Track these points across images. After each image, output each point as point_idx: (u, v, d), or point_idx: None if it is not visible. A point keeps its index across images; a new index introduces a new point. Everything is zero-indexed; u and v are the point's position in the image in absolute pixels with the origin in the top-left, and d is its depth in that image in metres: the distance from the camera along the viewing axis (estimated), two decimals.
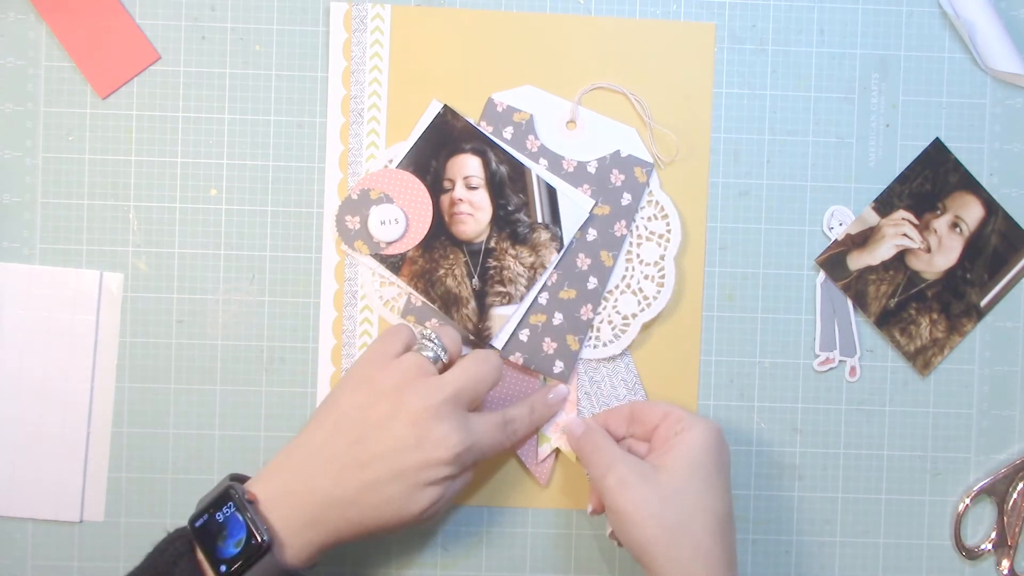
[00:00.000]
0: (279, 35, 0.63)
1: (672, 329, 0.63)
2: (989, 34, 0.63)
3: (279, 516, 0.53)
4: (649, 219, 0.63)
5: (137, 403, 0.63)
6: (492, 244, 0.62)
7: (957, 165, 0.63)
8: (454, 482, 0.55)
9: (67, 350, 0.62)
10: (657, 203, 0.63)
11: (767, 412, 0.64)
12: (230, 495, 0.53)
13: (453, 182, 0.62)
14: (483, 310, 0.62)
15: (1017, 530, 0.64)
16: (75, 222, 0.62)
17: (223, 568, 0.51)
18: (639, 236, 0.63)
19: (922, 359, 0.64)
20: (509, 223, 0.62)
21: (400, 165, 0.62)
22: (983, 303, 0.64)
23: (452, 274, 0.62)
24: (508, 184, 0.62)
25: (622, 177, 0.63)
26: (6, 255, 0.62)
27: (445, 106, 0.62)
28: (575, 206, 0.62)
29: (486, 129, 0.63)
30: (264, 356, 0.63)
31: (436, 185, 0.62)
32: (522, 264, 0.62)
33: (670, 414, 0.57)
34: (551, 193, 0.62)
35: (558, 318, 0.62)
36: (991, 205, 0.63)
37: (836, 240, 0.63)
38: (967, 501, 0.64)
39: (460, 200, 0.62)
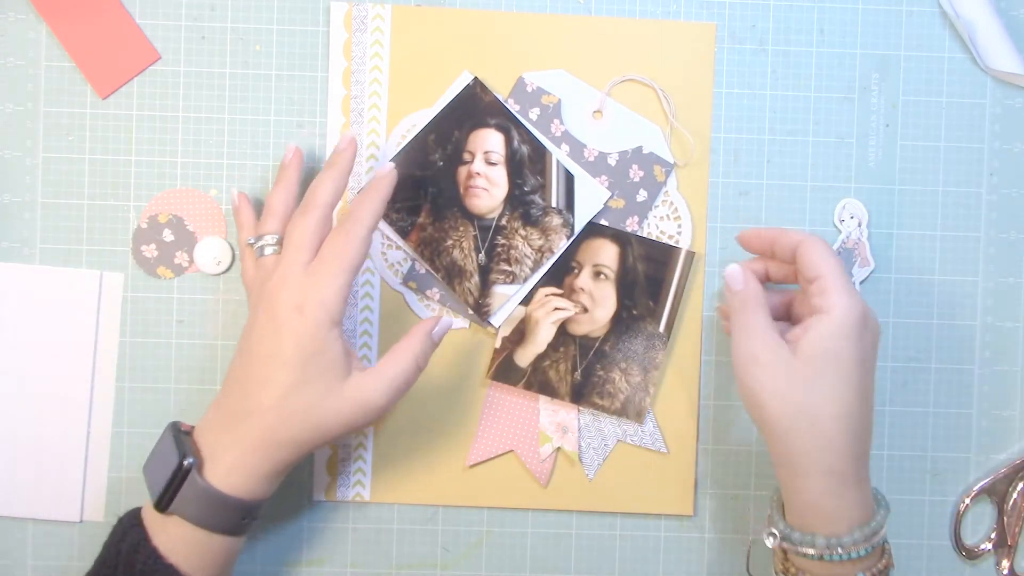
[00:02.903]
0: (279, 35, 0.63)
1: (672, 329, 0.63)
2: (989, 34, 0.63)
3: (205, 442, 0.54)
4: (662, 219, 0.63)
5: (137, 403, 0.63)
6: (503, 222, 0.62)
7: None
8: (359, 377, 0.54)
9: (67, 350, 0.62)
10: (672, 204, 0.63)
11: None
12: (168, 431, 0.55)
13: (473, 155, 0.62)
14: (485, 286, 0.62)
15: (1017, 530, 0.64)
16: (75, 222, 0.62)
17: (157, 497, 0.52)
18: (649, 235, 0.63)
19: (633, 408, 0.62)
20: (523, 203, 0.62)
21: (422, 132, 0.62)
22: (662, 328, 0.62)
23: (460, 246, 0.62)
24: (527, 164, 0.62)
25: (641, 173, 0.63)
26: (6, 255, 0.62)
27: (475, 78, 0.62)
28: (591, 195, 0.62)
29: (513, 107, 0.63)
30: None
31: (456, 156, 0.62)
32: (530, 245, 0.62)
33: (814, 264, 0.54)
34: (568, 179, 0.62)
35: None
36: (619, 238, 0.62)
37: (495, 348, 0.62)
38: (967, 501, 0.64)
39: (477, 174, 0.62)
